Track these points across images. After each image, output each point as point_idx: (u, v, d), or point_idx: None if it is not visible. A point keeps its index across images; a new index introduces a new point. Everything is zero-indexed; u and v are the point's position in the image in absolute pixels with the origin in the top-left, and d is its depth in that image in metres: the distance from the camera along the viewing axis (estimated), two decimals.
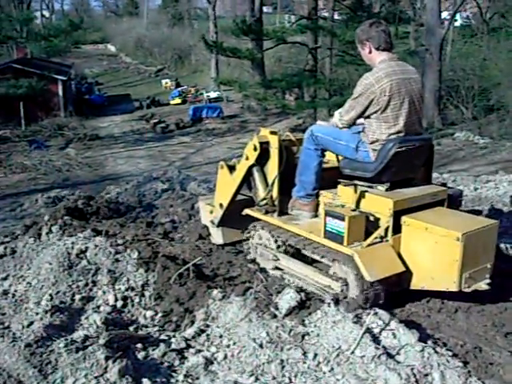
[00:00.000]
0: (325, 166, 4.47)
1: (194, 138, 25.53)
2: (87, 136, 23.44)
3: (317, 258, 4.07)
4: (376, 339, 3.19)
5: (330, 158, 4.68)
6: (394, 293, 3.94)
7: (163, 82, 37.28)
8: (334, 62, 27.02)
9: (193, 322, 3.60)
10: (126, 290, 3.83)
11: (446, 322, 3.79)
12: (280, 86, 24.34)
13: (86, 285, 3.82)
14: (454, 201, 4.28)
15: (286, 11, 47.48)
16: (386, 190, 3.99)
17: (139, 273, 3.95)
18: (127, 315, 3.70)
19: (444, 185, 4.50)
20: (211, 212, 5.04)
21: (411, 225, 3.79)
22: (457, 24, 32.60)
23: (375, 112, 3.90)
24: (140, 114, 29.98)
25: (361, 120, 4.18)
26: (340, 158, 4.40)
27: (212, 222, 5.01)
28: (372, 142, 4.01)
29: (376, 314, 3.40)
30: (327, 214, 3.85)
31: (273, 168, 4.39)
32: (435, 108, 21.92)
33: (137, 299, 3.80)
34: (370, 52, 4.01)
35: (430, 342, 3.30)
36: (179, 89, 33.80)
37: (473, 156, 18.33)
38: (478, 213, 5.89)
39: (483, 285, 3.71)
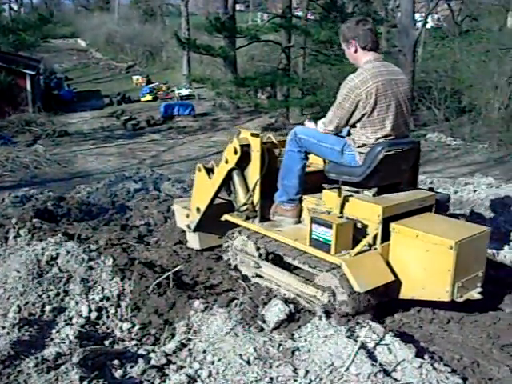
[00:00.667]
0: (307, 169, 4.28)
1: (165, 135, 25.25)
2: (56, 132, 22.81)
3: (301, 266, 3.87)
4: (371, 355, 3.00)
5: (313, 161, 4.50)
6: (383, 303, 3.77)
7: (134, 78, 36.67)
8: (307, 61, 26.98)
9: (173, 335, 3.35)
10: (101, 300, 3.56)
11: (440, 334, 3.62)
12: (253, 84, 24.22)
13: (58, 294, 3.53)
14: (441, 206, 4.14)
15: (259, 9, 47.17)
16: (374, 195, 3.83)
17: (114, 281, 3.67)
18: (102, 328, 3.42)
19: (431, 189, 4.37)
20: (187, 216, 4.81)
21: (401, 232, 3.62)
22: (427, 26, 32.84)
23: (361, 117, 3.73)
24: (110, 110, 29.39)
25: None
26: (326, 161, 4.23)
27: (188, 226, 4.78)
28: (359, 146, 3.84)
29: (369, 327, 3.21)
30: (313, 221, 3.65)
31: (254, 172, 4.17)
32: None
33: (112, 310, 3.53)
34: (356, 51, 3.84)
35: (426, 357, 3.12)
36: (150, 85, 33.30)
37: (445, 157, 18.44)
38: (461, 217, 5.78)
39: (475, 294, 3.59)
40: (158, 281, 3.61)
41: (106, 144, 22.69)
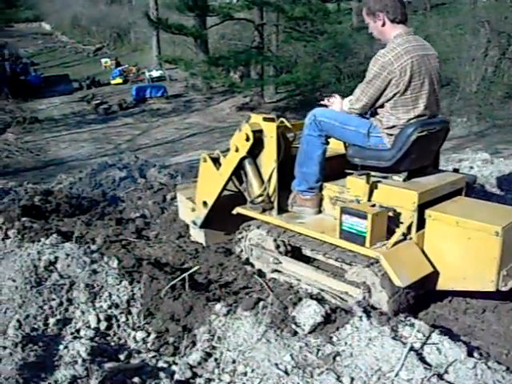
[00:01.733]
0: None
1: (138, 119, 24.70)
2: (26, 119, 21.94)
3: (330, 261, 3.57)
4: (420, 357, 2.71)
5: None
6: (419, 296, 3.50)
7: (103, 61, 35.68)
8: (281, 38, 26.49)
9: (194, 344, 3.01)
10: (109, 307, 3.19)
11: (479, 326, 3.37)
12: (228, 63, 23.65)
13: (61, 304, 3.14)
14: (469, 188, 3.88)
15: None
16: (404, 180, 3.53)
17: (123, 286, 3.30)
18: (114, 339, 3.05)
19: (456, 170, 4.09)
20: (193, 210, 4.43)
21: (438, 219, 3.33)
22: None
23: (393, 96, 3.42)
24: (80, 94, 28.59)
25: None
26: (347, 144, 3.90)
27: (194, 222, 4.41)
28: (387, 128, 3.52)
29: (413, 325, 2.92)
30: (344, 211, 3.33)
31: (269, 160, 3.82)
32: None
33: (123, 318, 3.16)
34: (384, 25, 3.49)
35: (476, 354, 2.86)
36: (120, 68, 32.44)
37: None
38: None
39: None
40: (172, 283, 3.25)
41: (79, 130, 22.04)
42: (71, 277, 3.32)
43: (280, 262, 3.84)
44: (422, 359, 2.69)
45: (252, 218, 3.98)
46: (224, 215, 4.14)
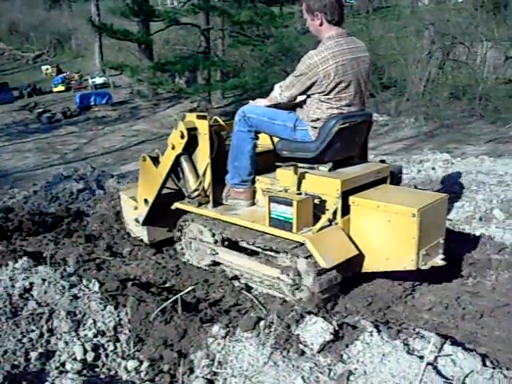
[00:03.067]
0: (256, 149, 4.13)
1: (83, 127, 24.16)
2: None
3: (261, 249, 3.72)
4: (436, 370, 2.58)
5: (261, 141, 4.29)
6: (347, 278, 3.65)
7: (43, 68, 34.58)
8: (228, 42, 26.35)
9: (191, 370, 2.78)
10: (95, 335, 2.91)
11: (480, 332, 3.30)
12: (175, 69, 23.33)
13: (41, 335, 2.84)
14: (395, 177, 4.09)
15: None
16: (329, 170, 3.72)
17: (107, 311, 3.03)
18: (103, 370, 2.79)
19: (383, 161, 4.31)
20: (136, 208, 4.51)
21: (361, 204, 3.54)
22: None
23: (318, 93, 3.59)
24: (21, 103, 27.60)
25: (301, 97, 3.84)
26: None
27: (137, 220, 4.50)
28: (312, 121, 3.68)
29: (423, 337, 2.79)
30: (272, 200, 3.50)
31: (203, 156, 3.98)
32: None
33: (111, 347, 2.89)
34: (321, 24, 3.61)
35: (488, 363, 2.75)
36: (61, 75, 31.60)
37: (376, 134, 18.41)
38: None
39: (439, 261, 3.57)
40: (163, 305, 3.00)
41: (22, 139, 21.27)
42: (50, 304, 3.02)
43: (217, 253, 4.00)
44: (438, 373, 2.57)
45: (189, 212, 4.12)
46: (165, 212, 4.24)
